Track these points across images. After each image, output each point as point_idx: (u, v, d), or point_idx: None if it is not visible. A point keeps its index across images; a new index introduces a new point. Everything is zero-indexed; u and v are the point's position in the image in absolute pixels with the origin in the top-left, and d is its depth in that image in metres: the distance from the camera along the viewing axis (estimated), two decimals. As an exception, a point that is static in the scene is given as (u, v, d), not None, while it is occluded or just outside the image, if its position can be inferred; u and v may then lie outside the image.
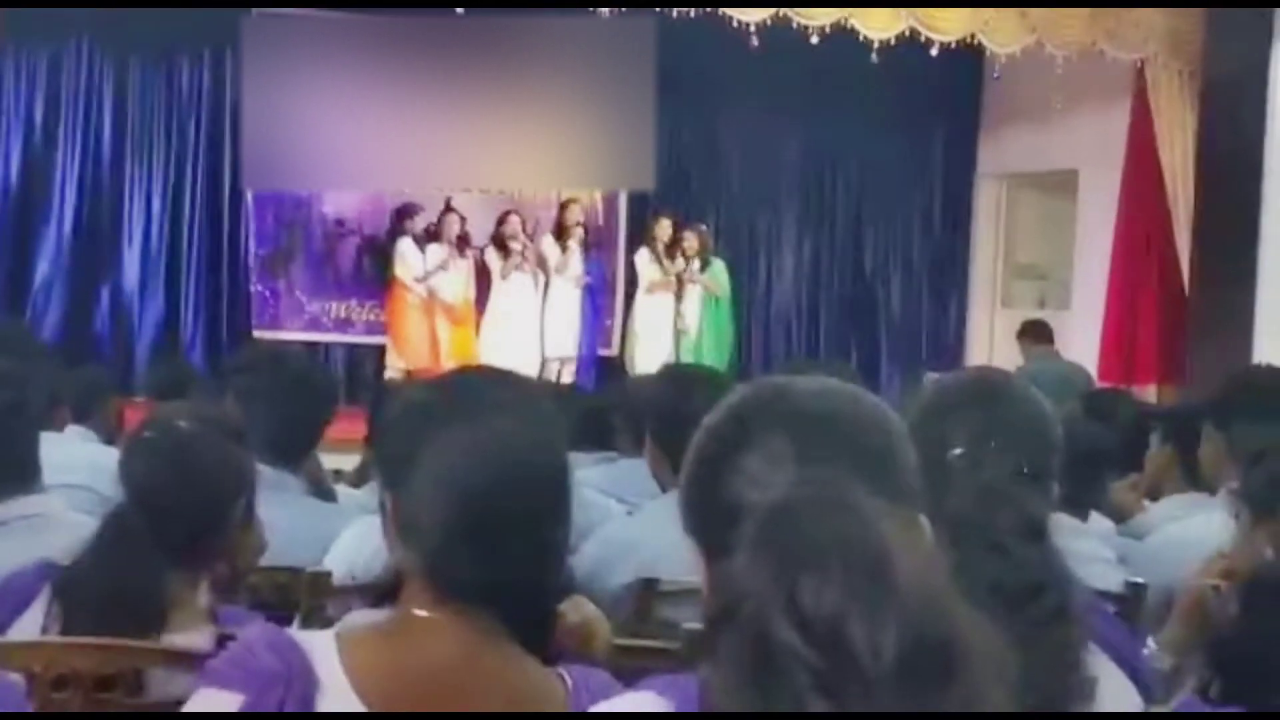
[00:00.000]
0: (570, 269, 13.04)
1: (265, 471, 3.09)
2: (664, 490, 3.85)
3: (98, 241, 12.84)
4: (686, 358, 12.69)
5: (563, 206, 13.25)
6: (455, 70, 11.54)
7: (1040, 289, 15.16)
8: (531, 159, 12.10)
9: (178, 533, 2.70)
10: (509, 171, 12.49)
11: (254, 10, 11.67)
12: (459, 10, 11.13)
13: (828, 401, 1.62)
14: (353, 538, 3.54)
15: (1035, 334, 10.55)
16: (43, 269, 12.62)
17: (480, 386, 2.06)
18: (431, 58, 11.56)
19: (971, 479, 2.12)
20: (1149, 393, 12.23)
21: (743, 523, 1.30)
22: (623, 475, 4.60)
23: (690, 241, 13.33)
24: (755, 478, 1.53)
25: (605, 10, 11.44)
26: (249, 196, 13.08)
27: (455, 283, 12.75)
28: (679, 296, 13.30)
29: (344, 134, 11.39)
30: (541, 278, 12.96)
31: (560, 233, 13.10)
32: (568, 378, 12.70)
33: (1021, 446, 2.33)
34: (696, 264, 13.35)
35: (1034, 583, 1.90)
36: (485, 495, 1.92)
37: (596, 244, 13.56)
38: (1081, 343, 12.60)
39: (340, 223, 13.38)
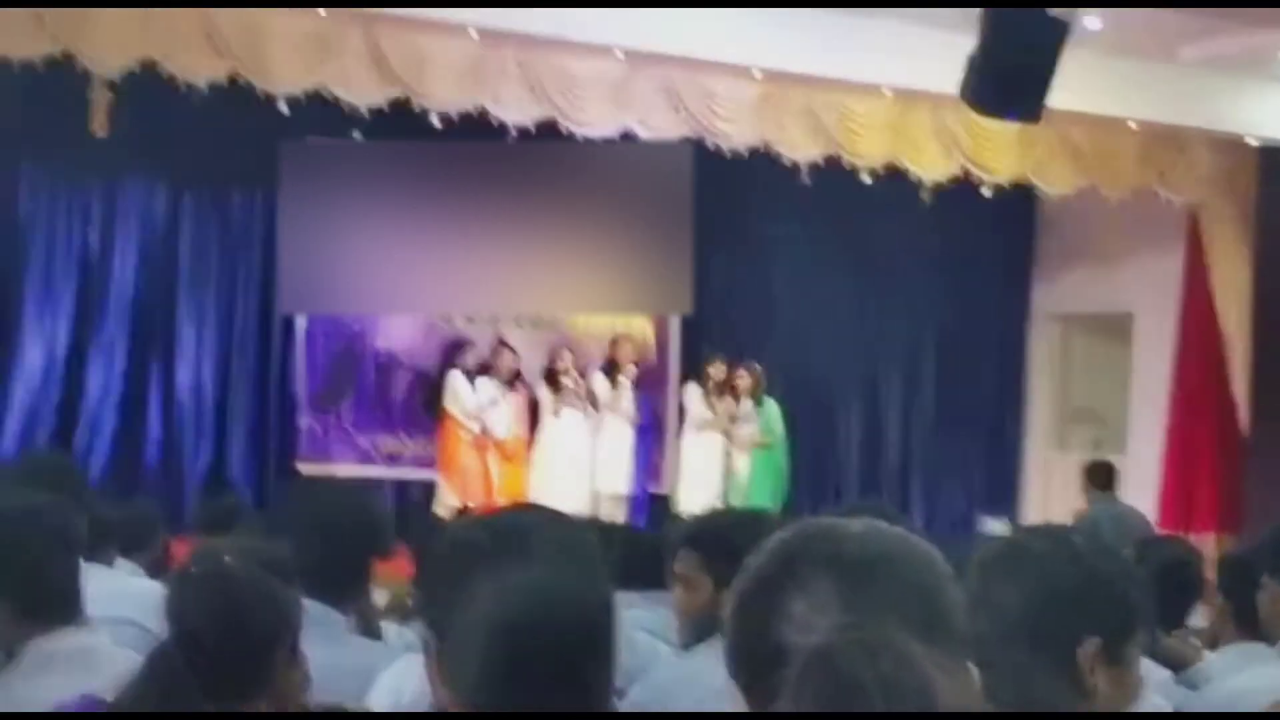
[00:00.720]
0: (621, 406, 13.02)
1: (310, 607, 3.08)
2: (688, 631, 3.85)
3: (147, 373, 12.89)
4: (735, 500, 12.55)
5: (614, 343, 13.26)
6: (487, 196, 11.66)
7: (1095, 432, 15.07)
8: (569, 284, 12.16)
9: (221, 670, 2.69)
10: (546, 296, 12.53)
11: (309, 138, 11.79)
12: (512, 134, 11.26)
13: (874, 544, 1.59)
14: (396, 675, 3.51)
15: (1098, 480, 10.42)
16: (92, 400, 12.65)
17: (524, 525, 2.04)
18: (464, 184, 11.67)
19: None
20: (1207, 540, 12.08)
21: (787, 666, 1.28)
22: (671, 616, 4.55)
23: (743, 380, 13.23)
24: (799, 621, 1.50)
25: (645, 135, 11.52)
26: (299, 329, 13.16)
27: (506, 418, 12.76)
28: (730, 436, 13.21)
29: (379, 258, 11.49)
30: (593, 414, 12.94)
31: (611, 369, 13.10)
32: (620, 516, 12.60)
33: (1038, 606, 2.29)
34: (749, 402, 13.25)
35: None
36: (525, 635, 1.90)
37: (648, 381, 13.54)
38: (1136, 488, 12.46)
39: (392, 356, 13.44)
